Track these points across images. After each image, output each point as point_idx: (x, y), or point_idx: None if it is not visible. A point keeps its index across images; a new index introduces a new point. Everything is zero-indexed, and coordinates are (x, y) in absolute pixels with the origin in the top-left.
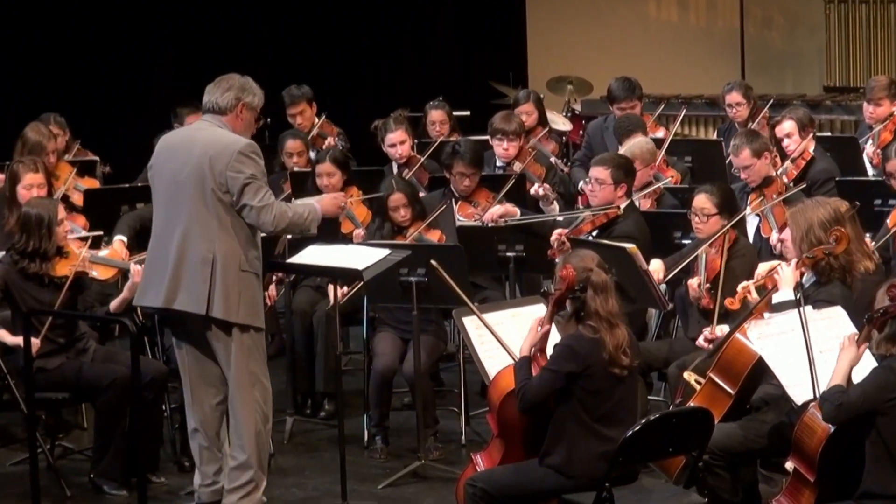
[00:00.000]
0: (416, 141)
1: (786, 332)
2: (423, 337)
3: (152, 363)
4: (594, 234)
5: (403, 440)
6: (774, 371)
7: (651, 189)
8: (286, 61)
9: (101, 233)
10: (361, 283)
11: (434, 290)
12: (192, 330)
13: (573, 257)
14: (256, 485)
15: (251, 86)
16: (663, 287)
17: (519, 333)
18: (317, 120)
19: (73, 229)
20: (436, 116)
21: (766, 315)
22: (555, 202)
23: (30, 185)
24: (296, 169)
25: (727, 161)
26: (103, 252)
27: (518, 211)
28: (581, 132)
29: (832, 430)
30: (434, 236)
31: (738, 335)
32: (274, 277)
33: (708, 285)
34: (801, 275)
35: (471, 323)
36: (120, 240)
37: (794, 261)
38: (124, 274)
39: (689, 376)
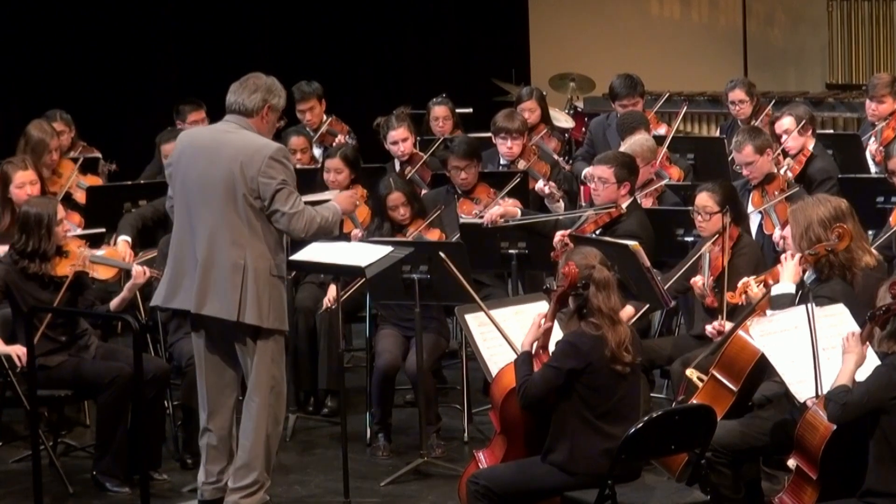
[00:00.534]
0: (418, 138)
1: (788, 330)
2: (426, 334)
3: (154, 360)
4: (597, 233)
5: (406, 437)
6: (777, 368)
7: (653, 188)
8: (288, 58)
9: (103, 230)
10: (361, 280)
11: (436, 287)
12: (215, 333)
13: (575, 254)
14: (260, 486)
15: (277, 87)
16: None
17: (522, 330)
18: (325, 117)
19: (70, 228)
20: (439, 112)
21: (768, 312)
22: (560, 200)
23: (22, 184)
24: (298, 166)
25: (729, 158)
26: (101, 251)
27: (518, 211)
28: (583, 129)
29: (834, 427)
30: (434, 235)
31: (740, 332)
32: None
33: (713, 283)
34: (803, 272)
35: (473, 320)
36: (125, 240)
37: (798, 255)
38: (126, 273)
39: (691, 373)
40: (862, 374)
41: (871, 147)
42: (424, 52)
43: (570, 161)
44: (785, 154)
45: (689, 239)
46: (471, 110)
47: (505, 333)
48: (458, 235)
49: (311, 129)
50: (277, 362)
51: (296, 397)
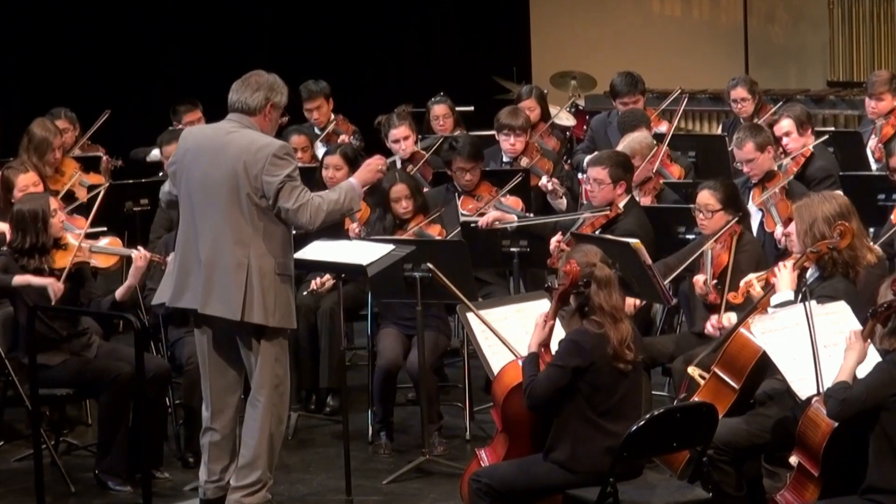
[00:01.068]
0: (419, 136)
1: (790, 327)
2: (428, 332)
3: (155, 359)
4: (596, 233)
5: (408, 436)
6: (778, 366)
7: (651, 185)
8: (288, 58)
9: (104, 228)
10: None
11: (438, 285)
12: (219, 332)
13: (577, 253)
14: (263, 485)
15: (279, 84)
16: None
17: (523, 329)
18: (332, 116)
19: (67, 227)
20: (438, 111)
21: (769, 310)
22: (563, 197)
23: (25, 188)
24: (300, 164)
25: (736, 163)
26: (103, 242)
27: (514, 216)
28: (585, 127)
29: (836, 424)
30: (434, 231)
31: (742, 330)
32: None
33: (715, 281)
34: (806, 269)
35: (475, 318)
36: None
37: (790, 262)
38: (127, 263)
39: (693, 371)
40: (863, 371)
41: (871, 144)
42: (426, 50)
43: (569, 162)
44: (785, 154)
45: (691, 237)
46: (472, 108)
47: (501, 336)
48: (459, 233)
49: (318, 128)
50: (281, 361)
51: (297, 396)
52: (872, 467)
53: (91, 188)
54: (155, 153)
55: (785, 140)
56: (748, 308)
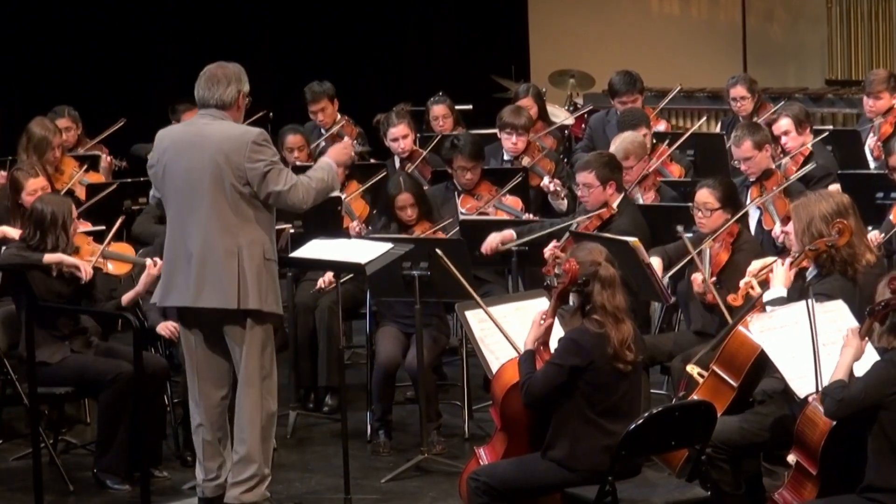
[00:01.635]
0: (418, 135)
1: (788, 326)
2: (426, 331)
3: (154, 358)
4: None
5: (406, 434)
6: (777, 364)
7: (648, 181)
8: (288, 58)
9: (103, 227)
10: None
11: (437, 283)
12: (206, 326)
13: (579, 251)
14: (260, 479)
15: (242, 72)
16: (666, 280)
17: (522, 327)
18: (338, 117)
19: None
20: (438, 111)
21: (768, 308)
22: (565, 198)
23: (34, 191)
24: (298, 163)
25: (730, 156)
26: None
27: (514, 234)
28: (583, 126)
29: (834, 423)
30: (439, 236)
31: (740, 328)
32: None
33: (714, 279)
34: (805, 268)
35: (473, 317)
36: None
37: (788, 260)
38: (139, 269)
39: (692, 369)
40: (861, 370)
41: (870, 142)
42: (424, 49)
43: (570, 158)
44: (783, 153)
45: (689, 235)
46: (471, 107)
47: (504, 329)
48: (458, 232)
49: (323, 129)
50: (268, 351)
51: (296, 394)
52: (871, 466)
53: (91, 187)
54: None
55: (783, 139)
56: (747, 306)
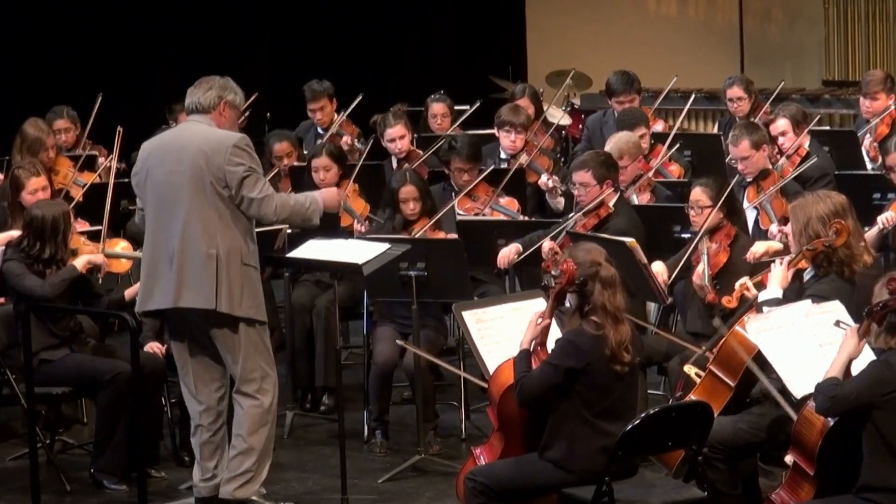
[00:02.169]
0: (415, 135)
1: (784, 326)
2: (423, 331)
3: (151, 358)
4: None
5: (403, 434)
6: (773, 364)
7: (642, 180)
8: (287, 58)
9: (99, 227)
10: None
11: (434, 284)
12: (193, 326)
13: (577, 251)
14: (254, 476)
15: (232, 84)
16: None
17: (519, 328)
18: (336, 116)
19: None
20: (437, 110)
21: (765, 309)
22: (561, 197)
23: (34, 191)
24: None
25: (728, 159)
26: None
27: (519, 247)
28: (580, 126)
29: (831, 423)
30: (438, 237)
31: (737, 328)
32: None
33: (713, 279)
34: (802, 269)
35: (471, 317)
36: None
37: (786, 259)
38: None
39: (689, 369)
40: (858, 370)
41: (867, 143)
42: (422, 49)
43: (567, 158)
44: (780, 153)
45: (686, 235)
46: (468, 107)
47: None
48: (455, 232)
49: (321, 129)
50: (262, 352)
51: (293, 394)
52: (866, 466)
53: (89, 188)
54: None
55: (781, 139)
56: (744, 306)
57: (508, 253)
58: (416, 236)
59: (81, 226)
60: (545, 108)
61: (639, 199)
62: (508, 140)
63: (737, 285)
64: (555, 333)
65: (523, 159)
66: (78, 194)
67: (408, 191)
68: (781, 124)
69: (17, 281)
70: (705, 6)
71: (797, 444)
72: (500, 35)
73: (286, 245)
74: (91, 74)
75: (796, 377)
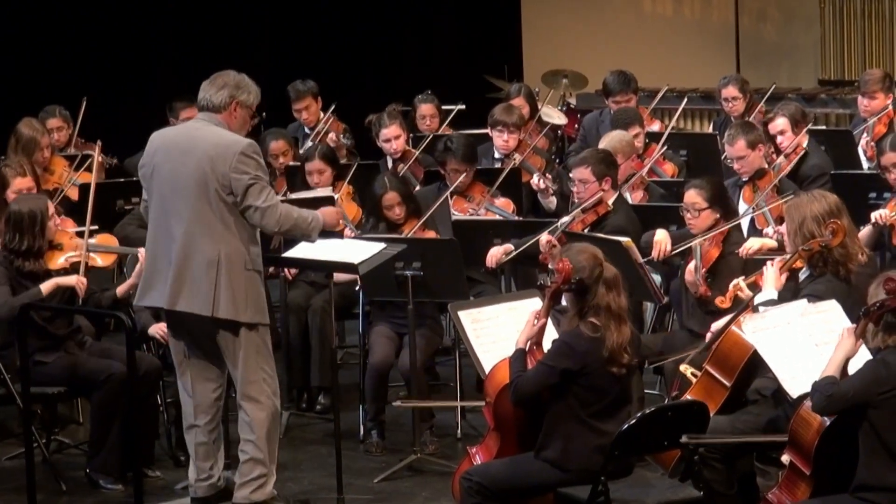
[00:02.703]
0: (410, 135)
1: (780, 326)
2: (419, 331)
3: (147, 358)
4: (586, 231)
5: (399, 434)
6: (769, 364)
7: (635, 178)
8: (282, 55)
9: (96, 227)
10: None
11: (429, 283)
12: (193, 328)
13: (572, 251)
14: (267, 478)
15: (246, 83)
16: (658, 280)
17: (515, 327)
18: (322, 115)
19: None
20: (425, 110)
21: (760, 308)
22: (553, 197)
23: (19, 190)
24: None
25: (723, 157)
26: (93, 240)
27: (510, 246)
28: (576, 126)
29: (828, 423)
30: (429, 236)
31: (733, 328)
32: None
33: (705, 272)
34: (797, 269)
35: (466, 317)
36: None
37: (777, 260)
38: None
39: (685, 369)
40: (854, 369)
41: (863, 142)
42: (418, 48)
43: (563, 158)
44: (779, 152)
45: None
46: (464, 107)
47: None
48: (451, 233)
49: (307, 128)
50: (264, 355)
51: (289, 394)
52: (862, 465)
53: (84, 187)
54: None
55: (779, 138)
56: (739, 307)
57: (496, 252)
58: (410, 236)
59: (69, 224)
60: (540, 107)
61: (632, 197)
62: (501, 140)
63: (731, 286)
64: (551, 333)
65: (517, 158)
66: (74, 194)
67: (390, 197)
68: (780, 123)
69: None
70: (701, 6)
71: (794, 444)
72: (496, 34)
73: (282, 245)
74: (91, 74)
75: (792, 377)
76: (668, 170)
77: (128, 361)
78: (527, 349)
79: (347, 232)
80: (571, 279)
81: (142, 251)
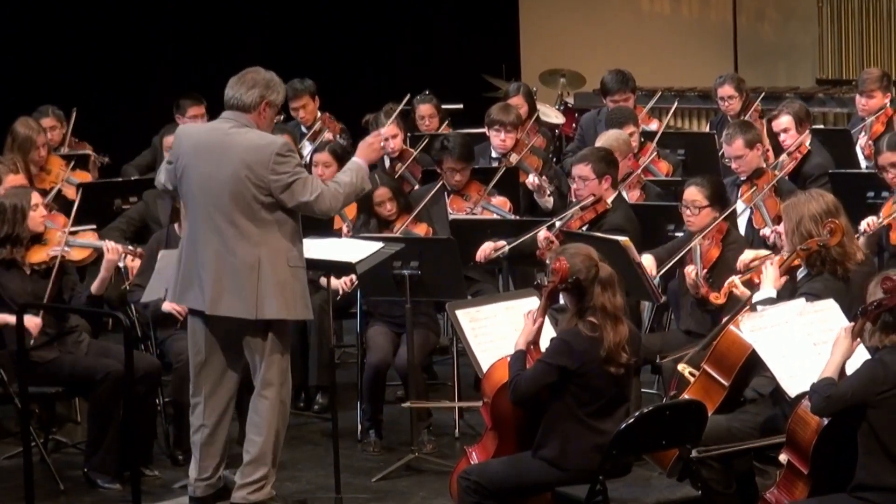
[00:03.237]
0: (408, 135)
1: (779, 325)
2: (417, 330)
3: (145, 357)
4: (584, 228)
5: (397, 433)
6: (767, 363)
7: (630, 180)
8: (280, 54)
9: (93, 226)
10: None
11: (427, 282)
12: (224, 330)
13: (566, 250)
14: (267, 481)
15: (276, 82)
16: (656, 280)
17: (512, 326)
18: (319, 114)
19: (48, 224)
20: (424, 111)
21: (758, 307)
22: (550, 196)
23: (11, 187)
24: None
25: (720, 154)
26: (80, 237)
27: (503, 242)
28: (574, 125)
29: (826, 422)
30: (421, 230)
31: (731, 327)
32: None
33: (706, 273)
34: (795, 268)
35: (464, 316)
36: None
37: (776, 258)
38: (100, 255)
39: (683, 368)
40: (852, 369)
41: (861, 142)
42: (416, 48)
43: (561, 158)
44: (779, 151)
45: (680, 234)
46: (461, 106)
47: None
48: (449, 232)
49: (304, 127)
50: (286, 356)
51: None
52: (861, 465)
53: (81, 186)
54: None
55: (783, 136)
56: (737, 306)
57: (486, 247)
58: (401, 232)
59: (61, 220)
60: (538, 106)
61: (629, 196)
62: (498, 139)
63: (725, 284)
64: (548, 332)
65: (513, 158)
66: (71, 193)
67: (381, 193)
68: (784, 121)
69: None
70: (699, 5)
71: (792, 443)
72: (493, 34)
73: None
74: (91, 74)
75: (790, 375)
76: (663, 168)
77: (125, 361)
78: (526, 350)
79: (345, 230)
80: (568, 279)
81: (106, 244)
